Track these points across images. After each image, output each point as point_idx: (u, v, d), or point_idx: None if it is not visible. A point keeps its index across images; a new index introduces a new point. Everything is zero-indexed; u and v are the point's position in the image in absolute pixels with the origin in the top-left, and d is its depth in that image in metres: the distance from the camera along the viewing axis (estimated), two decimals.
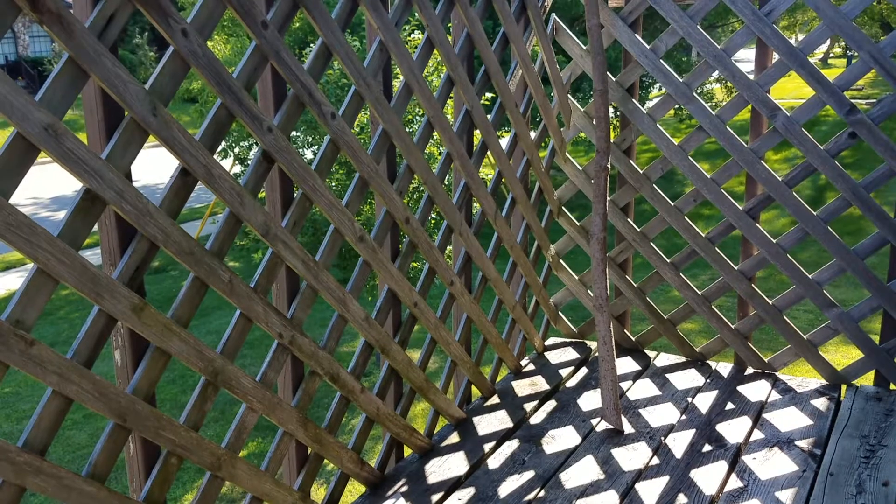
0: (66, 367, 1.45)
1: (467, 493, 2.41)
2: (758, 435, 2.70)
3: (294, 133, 8.84)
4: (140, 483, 1.73)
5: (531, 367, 3.32)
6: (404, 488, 2.44)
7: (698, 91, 15.06)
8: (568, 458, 2.60)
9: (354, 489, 5.12)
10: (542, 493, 2.39)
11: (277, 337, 1.97)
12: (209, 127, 1.71)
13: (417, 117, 6.77)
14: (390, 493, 2.41)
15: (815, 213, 2.93)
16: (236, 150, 9.92)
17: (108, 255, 1.62)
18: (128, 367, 1.66)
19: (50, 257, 1.40)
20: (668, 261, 3.20)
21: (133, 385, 1.62)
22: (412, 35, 7.51)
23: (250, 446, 6.41)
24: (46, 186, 15.74)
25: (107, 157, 1.49)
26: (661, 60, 2.99)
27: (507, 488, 2.42)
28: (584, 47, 3.07)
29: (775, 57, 2.93)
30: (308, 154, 8.66)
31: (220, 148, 10.07)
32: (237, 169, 10.60)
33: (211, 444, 1.79)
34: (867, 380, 3.18)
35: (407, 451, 2.69)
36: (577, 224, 3.33)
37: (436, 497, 2.38)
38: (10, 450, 1.38)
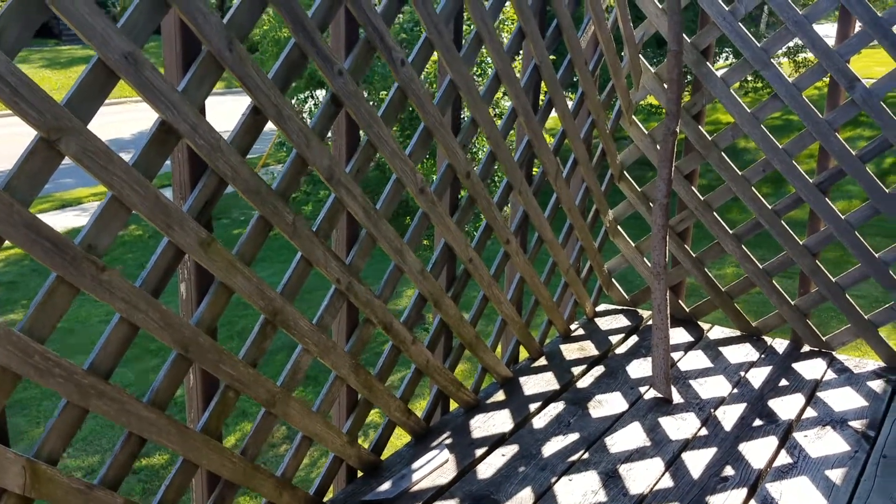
0: (134, 295, 1.47)
1: (511, 449, 2.42)
2: (811, 413, 2.65)
3: None
4: (198, 414, 1.76)
5: (581, 331, 3.30)
6: (449, 440, 2.45)
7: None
8: (614, 423, 2.58)
9: (399, 441, 5.19)
10: (586, 455, 2.38)
11: (335, 282, 1.98)
12: (282, 67, 1.70)
13: (479, 76, 6.69)
14: (435, 444, 2.43)
15: (888, 191, 2.83)
16: (293, 101, 9.96)
17: (178, 188, 1.64)
18: (192, 299, 1.69)
19: (125, 185, 1.41)
20: (731, 232, 3.13)
21: (197, 318, 1.64)
22: None
23: (296, 394, 6.53)
24: (104, 131, 16.02)
25: (182, 90, 1.50)
26: (739, 23, 2.89)
27: (550, 448, 2.42)
28: (660, 6, 2.99)
29: (857, 27, 2.81)
30: None
31: None
32: None
33: (267, 382, 1.82)
34: None
35: (452, 406, 2.70)
36: (639, 190, 3.27)
37: (480, 451, 2.40)
38: (76, 371, 1.42)
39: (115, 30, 1.35)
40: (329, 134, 1.95)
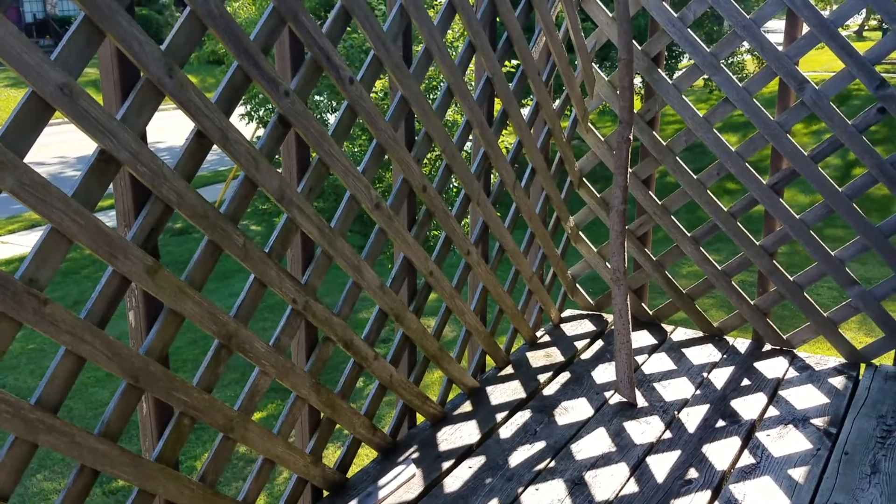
0: (79, 327, 1.45)
1: (478, 461, 2.42)
2: (773, 412, 2.68)
3: (318, 97, 8.80)
4: (153, 443, 1.75)
5: (546, 338, 3.31)
6: (416, 454, 2.45)
7: (728, 62, 14.77)
8: (580, 429, 2.60)
9: (367, 454, 5.18)
10: (552, 464, 2.39)
11: (291, 302, 1.97)
12: (225, 90, 1.70)
13: (441, 84, 6.71)
14: (402, 458, 2.42)
15: (840, 190, 2.87)
16: (260, 112, 9.91)
17: (122, 216, 1.62)
18: (141, 328, 1.67)
19: (64, 217, 1.40)
20: (689, 235, 3.16)
21: (146, 346, 1.63)
22: None
23: (269, 408, 6.49)
24: (73, 147, 15.85)
25: (122, 118, 1.49)
26: (689, 30, 2.93)
27: (517, 458, 2.43)
28: (611, 15, 3.01)
29: (805, 28, 2.86)
30: (331, 119, 8.63)
31: (243, 112, 10.09)
32: (261, 132, 10.61)
33: (224, 406, 1.81)
34: (887, 359, 3.14)
35: (419, 419, 2.70)
36: (598, 196, 3.30)
37: (447, 464, 2.40)
38: (23, 406, 1.40)
39: (49, 62, 1.34)
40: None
